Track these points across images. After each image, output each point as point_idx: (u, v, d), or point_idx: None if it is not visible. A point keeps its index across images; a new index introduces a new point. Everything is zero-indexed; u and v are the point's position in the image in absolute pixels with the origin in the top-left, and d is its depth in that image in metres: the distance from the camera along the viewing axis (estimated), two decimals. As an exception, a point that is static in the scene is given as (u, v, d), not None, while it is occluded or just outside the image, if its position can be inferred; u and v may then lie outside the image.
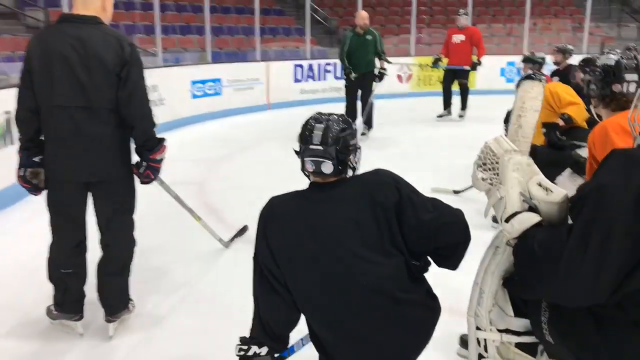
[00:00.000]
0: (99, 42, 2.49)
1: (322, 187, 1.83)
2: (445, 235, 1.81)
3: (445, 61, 8.78)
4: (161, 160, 2.74)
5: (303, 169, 1.83)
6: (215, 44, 12.23)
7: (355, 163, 1.87)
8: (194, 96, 8.75)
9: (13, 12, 10.63)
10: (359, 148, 1.90)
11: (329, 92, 11.04)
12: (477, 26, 10.65)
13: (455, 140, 7.12)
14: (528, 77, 2.64)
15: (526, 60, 4.87)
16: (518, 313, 1.75)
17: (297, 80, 10.72)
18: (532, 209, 1.61)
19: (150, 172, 2.72)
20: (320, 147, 1.76)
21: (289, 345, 1.94)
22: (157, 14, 8.51)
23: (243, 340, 1.85)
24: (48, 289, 2.78)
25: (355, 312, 1.72)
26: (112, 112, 2.54)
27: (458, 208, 1.86)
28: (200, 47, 10.61)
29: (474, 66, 8.60)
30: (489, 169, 1.70)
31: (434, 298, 1.87)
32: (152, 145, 2.66)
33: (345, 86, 7.46)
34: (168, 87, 8.11)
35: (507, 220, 1.63)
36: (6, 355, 2.64)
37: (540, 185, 1.60)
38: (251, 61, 10.67)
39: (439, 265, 1.88)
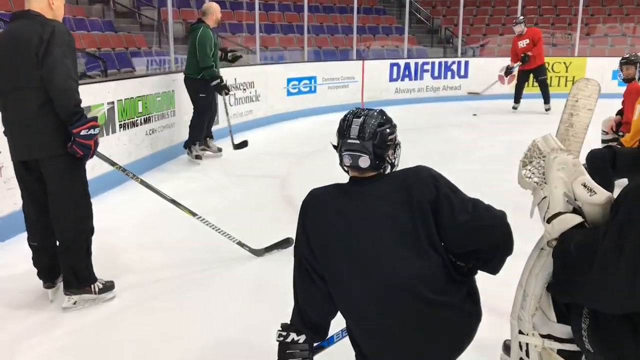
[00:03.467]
0: (25, 29, 2.70)
1: (360, 181, 1.82)
2: (483, 237, 1.74)
3: (516, 66, 9.72)
4: (90, 136, 2.74)
5: (341, 163, 1.84)
6: (316, 42, 12.49)
7: (395, 159, 1.85)
8: (289, 93, 8.98)
9: (130, 11, 11.47)
10: (399, 144, 1.88)
11: (424, 92, 10.92)
12: (591, 26, 10.18)
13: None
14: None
15: (626, 62, 4.53)
16: (561, 319, 1.68)
17: (392, 79, 10.68)
18: (576, 210, 1.55)
19: (77, 148, 2.73)
20: (357, 141, 1.76)
21: (329, 336, 1.95)
22: (257, 13, 8.81)
23: (283, 327, 1.88)
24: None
25: (385, 310, 1.70)
26: (38, 90, 2.66)
27: (502, 210, 1.78)
28: (301, 46, 10.86)
29: (523, 59, 9.47)
30: (535, 167, 1.66)
31: (476, 302, 1.80)
32: (75, 121, 2.69)
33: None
34: (265, 84, 8.41)
35: (549, 221, 1.58)
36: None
37: (585, 186, 1.53)
38: (347, 60, 10.77)
39: (479, 268, 1.82)
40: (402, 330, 1.71)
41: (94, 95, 4.82)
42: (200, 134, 6.06)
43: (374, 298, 1.71)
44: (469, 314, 1.78)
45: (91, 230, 2.99)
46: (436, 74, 11.18)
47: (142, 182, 3.39)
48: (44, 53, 2.62)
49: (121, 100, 5.19)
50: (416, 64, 11.02)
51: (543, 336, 1.72)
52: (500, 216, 1.76)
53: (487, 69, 11.25)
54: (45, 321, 2.86)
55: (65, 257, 2.92)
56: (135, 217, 4.33)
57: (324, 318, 1.88)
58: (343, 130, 1.80)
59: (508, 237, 1.76)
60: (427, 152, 6.29)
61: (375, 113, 1.83)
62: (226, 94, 6.09)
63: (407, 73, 10.87)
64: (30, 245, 2.99)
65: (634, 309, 1.36)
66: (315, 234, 1.80)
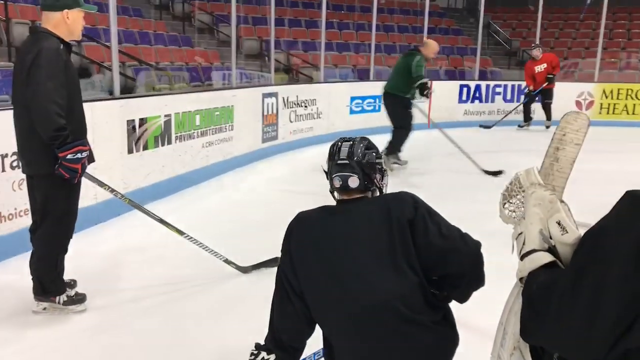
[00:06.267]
0: (26, 48, 2.84)
1: (346, 203, 1.86)
2: (451, 263, 1.72)
3: (539, 91, 10.07)
4: (76, 160, 2.78)
5: (331, 187, 1.88)
6: (387, 61, 12.49)
7: (383, 185, 1.88)
8: (352, 112, 9.03)
9: (209, 27, 11.97)
10: (385, 171, 1.92)
11: (495, 115, 10.63)
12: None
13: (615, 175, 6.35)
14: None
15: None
16: (537, 361, 1.60)
17: (461, 101, 10.49)
18: (551, 249, 1.47)
19: (63, 171, 2.76)
20: (346, 161, 1.81)
21: (302, 357, 1.95)
22: (323, 31, 8.93)
23: (257, 346, 1.92)
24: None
25: (360, 325, 1.70)
26: (28, 109, 2.73)
27: (477, 240, 1.76)
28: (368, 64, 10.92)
29: (550, 80, 9.96)
30: (516, 202, 1.59)
31: (452, 327, 1.78)
32: (59, 144, 2.72)
33: None
34: (328, 101, 8.51)
35: (522, 258, 1.51)
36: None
37: (559, 224, 1.45)
38: (415, 80, 10.66)
39: (450, 295, 1.79)
40: (378, 349, 1.70)
41: (152, 108, 5.07)
42: (402, 145, 6.70)
43: (351, 317, 1.71)
44: (446, 337, 1.76)
45: (63, 249, 3.06)
46: (509, 97, 10.88)
47: (130, 202, 3.41)
48: (27, 74, 2.71)
49: (178, 113, 5.42)
50: (487, 86, 10.79)
51: (520, 378, 1.64)
52: (472, 245, 1.74)
53: (564, 94, 10.81)
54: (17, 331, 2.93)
55: (35, 266, 3.02)
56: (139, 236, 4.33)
57: (296, 340, 1.89)
58: (333, 154, 1.86)
59: (477, 267, 1.73)
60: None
61: (363, 139, 1.90)
62: (426, 95, 6.84)
63: (477, 95, 10.65)
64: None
65: (594, 357, 1.27)
66: (298, 254, 1.83)
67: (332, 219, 1.83)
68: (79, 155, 2.80)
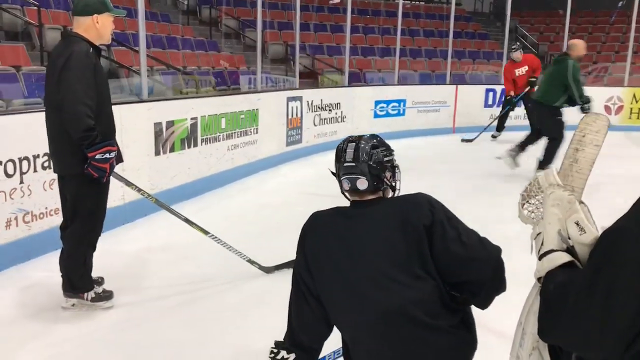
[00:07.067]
0: (57, 51, 2.93)
1: (359, 204, 1.82)
2: (472, 270, 1.69)
3: (521, 95, 9.16)
4: (105, 160, 2.86)
5: (341, 188, 1.86)
6: (412, 66, 12.48)
7: (395, 182, 1.85)
8: (376, 115, 9.04)
9: (235, 32, 12.12)
10: (397, 167, 1.87)
11: (521, 120, 10.51)
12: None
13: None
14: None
15: None
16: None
17: (487, 105, 10.41)
18: (570, 249, 1.48)
19: (92, 170, 2.85)
20: (353, 164, 1.78)
21: (320, 357, 1.95)
22: (348, 36, 8.97)
23: (276, 344, 1.88)
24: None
25: (379, 334, 1.68)
26: (59, 110, 2.82)
27: (497, 245, 1.73)
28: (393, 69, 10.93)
29: (532, 83, 8.90)
30: (535, 203, 1.60)
31: (470, 330, 1.75)
32: (88, 145, 2.80)
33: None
34: (352, 105, 8.54)
35: (540, 258, 1.52)
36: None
37: (577, 224, 1.46)
38: (440, 84, 10.64)
39: (470, 300, 1.75)
40: (395, 354, 1.69)
41: (178, 111, 5.17)
42: (553, 157, 6.36)
43: (368, 322, 1.70)
44: (463, 341, 1.74)
45: (92, 247, 3.14)
46: (536, 102, 10.76)
47: (157, 202, 3.46)
48: (58, 78, 2.80)
49: (204, 116, 5.51)
50: (514, 90, 10.65)
51: (539, 377, 1.64)
52: (493, 251, 1.71)
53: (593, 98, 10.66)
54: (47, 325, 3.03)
55: (64, 263, 3.12)
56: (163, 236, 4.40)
57: (316, 340, 1.89)
58: (339, 155, 1.83)
59: (498, 273, 1.70)
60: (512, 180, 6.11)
61: (369, 137, 1.85)
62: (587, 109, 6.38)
63: (503, 99, 10.53)
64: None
65: (610, 357, 1.28)
66: (313, 256, 1.82)
67: (347, 223, 1.80)
68: (107, 155, 2.88)
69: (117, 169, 3.11)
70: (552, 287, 1.39)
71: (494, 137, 9.54)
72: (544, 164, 6.38)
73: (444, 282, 1.72)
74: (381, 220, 1.76)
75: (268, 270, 3.68)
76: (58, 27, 7.56)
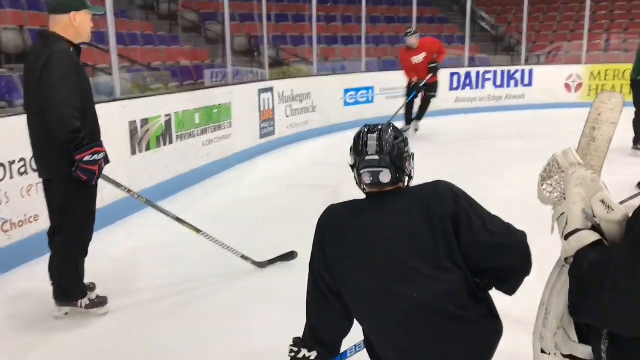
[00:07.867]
0: (35, 52, 2.83)
1: (378, 196, 1.77)
2: (501, 257, 1.69)
3: (425, 81, 8.09)
4: (93, 162, 2.77)
5: (359, 182, 1.79)
6: (376, 53, 12.50)
7: (411, 170, 1.82)
8: (346, 104, 9.04)
9: (196, 25, 11.88)
10: (413, 155, 1.84)
11: (486, 101, 10.70)
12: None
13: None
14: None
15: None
16: (583, 339, 1.62)
17: (452, 88, 10.53)
18: (595, 227, 1.50)
19: (80, 173, 2.75)
20: (376, 157, 1.71)
21: (342, 351, 1.92)
22: (315, 25, 8.91)
23: (295, 342, 1.84)
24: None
25: (408, 328, 1.65)
26: (42, 113, 2.70)
27: (522, 231, 1.73)
28: (360, 57, 10.91)
29: (434, 69, 7.99)
30: (555, 182, 1.61)
31: (496, 317, 1.75)
32: (75, 147, 2.70)
33: None
34: (322, 95, 8.51)
35: (566, 238, 1.53)
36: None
37: (603, 202, 1.48)
38: (405, 69, 10.68)
39: (496, 287, 1.76)
40: (426, 347, 1.68)
41: (152, 108, 5.05)
42: None
43: (396, 316, 1.68)
44: (490, 330, 1.74)
45: (84, 253, 3.04)
46: (498, 83, 10.94)
47: (148, 202, 3.39)
48: (39, 78, 2.68)
49: (178, 112, 5.39)
50: (477, 72, 10.82)
51: (565, 356, 1.66)
52: (520, 236, 1.71)
53: (553, 77, 10.91)
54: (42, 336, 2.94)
55: (55, 271, 3.01)
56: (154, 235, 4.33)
57: (337, 336, 1.86)
58: (359, 148, 1.75)
59: (526, 258, 1.70)
60: (482, 163, 6.19)
61: (388, 127, 1.79)
62: None
63: (467, 82, 10.69)
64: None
65: None
66: (333, 252, 1.76)
67: (368, 217, 1.75)
68: (95, 157, 2.79)
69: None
70: (586, 266, 1.40)
71: (404, 130, 8.32)
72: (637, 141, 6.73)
73: (470, 270, 1.71)
74: (404, 213, 1.72)
75: (261, 265, 3.64)
76: (14, 27, 7.29)
